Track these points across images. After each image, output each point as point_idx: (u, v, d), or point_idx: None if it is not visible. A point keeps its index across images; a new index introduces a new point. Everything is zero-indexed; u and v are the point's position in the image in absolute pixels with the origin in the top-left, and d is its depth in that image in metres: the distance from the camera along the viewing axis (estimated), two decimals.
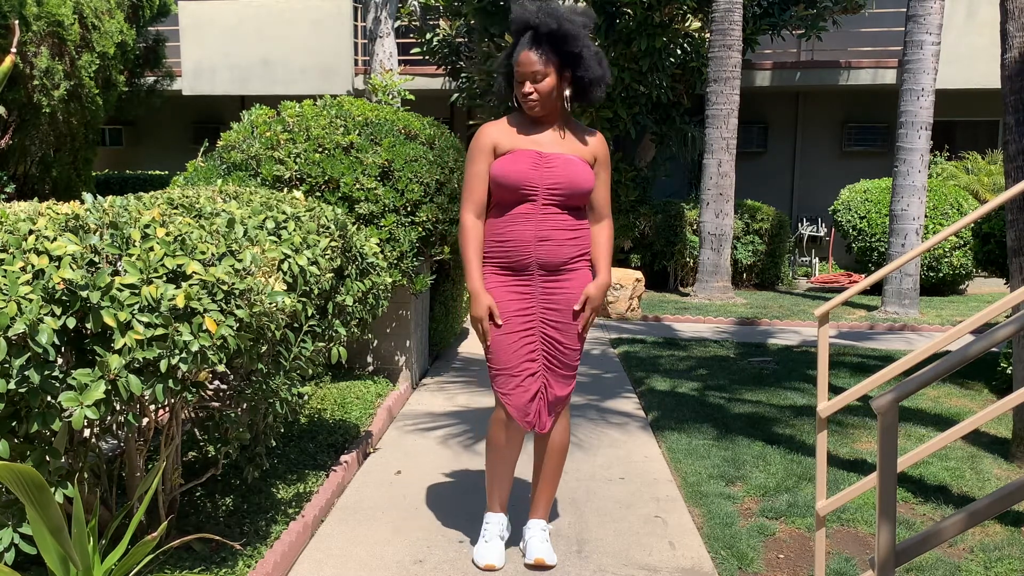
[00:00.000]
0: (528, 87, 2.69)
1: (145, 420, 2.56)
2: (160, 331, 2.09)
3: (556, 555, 2.91)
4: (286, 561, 2.76)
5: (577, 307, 2.80)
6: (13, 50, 2.04)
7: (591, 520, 3.28)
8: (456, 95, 12.31)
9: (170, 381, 2.14)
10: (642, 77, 10.81)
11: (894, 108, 9.31)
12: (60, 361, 2.11)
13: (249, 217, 2.68)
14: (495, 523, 2.95)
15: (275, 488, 3.31)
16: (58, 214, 2.23)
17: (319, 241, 2.83)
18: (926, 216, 9.97)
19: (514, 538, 3.03)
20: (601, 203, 2.89)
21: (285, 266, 2.59)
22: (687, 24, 10.90)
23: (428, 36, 12.49)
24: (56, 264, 2.03)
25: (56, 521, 1.94)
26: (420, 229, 4.70)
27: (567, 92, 2.76)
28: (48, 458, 2.10)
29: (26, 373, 1.95)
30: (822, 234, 13.56)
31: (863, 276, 11.31)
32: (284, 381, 2.73)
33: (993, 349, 5.28)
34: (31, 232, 2.13)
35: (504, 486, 2.96)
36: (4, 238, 2.07)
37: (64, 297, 2.02)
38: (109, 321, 2.03)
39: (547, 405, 2.83)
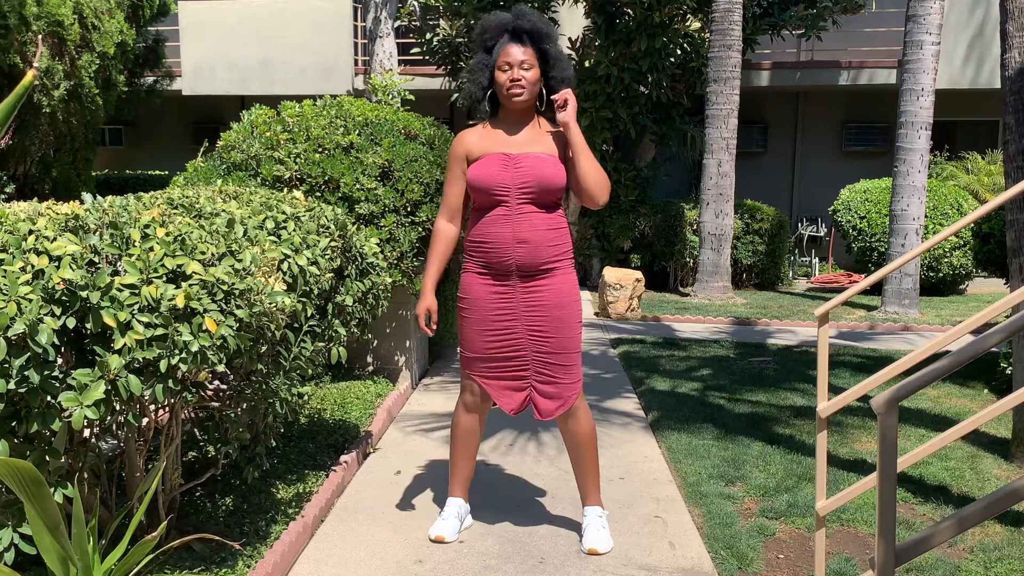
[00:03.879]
0: (516, 72, 2.83)
1: (145, 420, 2.56)
2: (160, 331, 2.09)
3: (608, 543, 2.99)
4: (286, 561, 2.76)
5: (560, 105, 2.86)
6: (36, 64, 2.04)
7: None
8: (456, 95, 12.31)
9: (170, 381, 2.14)
10: (642, 77, 10.81)
11: (894, 108, 9.31)
12: (60, 361, 2.11)
13: (249, 217, 2.68)
14: (452, 505, 3.13)
15: (275, 488, 3.31)
16: (58, 214, 2.23)
17: (319, 241, 2.83)
18: (926, 216, 9.97)
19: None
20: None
21: (285, 266, 2.59)
22: (687, 24, 10.90)
23: (428, 36, 12.48)
24: (56, 264, 2.03)
25: (54, 517, 1.94)
26: (420, 229, 4.70)
27: (542, 91, 2.91)
28: (48, 458, 2.10)
29: (26, 373, 1.95)
30: (822, 234, 13.56)
31: (863, 276, 11.31)
32: (284, 381, 2.73)
33: (993, 349, 5.28)
34: (31, 232, 2.13)
35: (464, 472, 3.13)
36: (4, 238, 2.07)
37: (64, 297, 2.02)
38: (109, 321, 2.03)
39: (543, 398, 2.95)
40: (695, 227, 10.83)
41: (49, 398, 2.02)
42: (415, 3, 12.80)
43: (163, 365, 2.09)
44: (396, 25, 12.22)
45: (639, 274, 8.70)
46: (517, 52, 2.83)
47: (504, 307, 2.91)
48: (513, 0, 10.60)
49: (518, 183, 2.84)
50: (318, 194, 4.60)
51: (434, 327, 2.99)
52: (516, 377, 2.96)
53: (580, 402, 2.98)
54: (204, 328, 2.14)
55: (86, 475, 2.40)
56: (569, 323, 2.91)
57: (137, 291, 2.10)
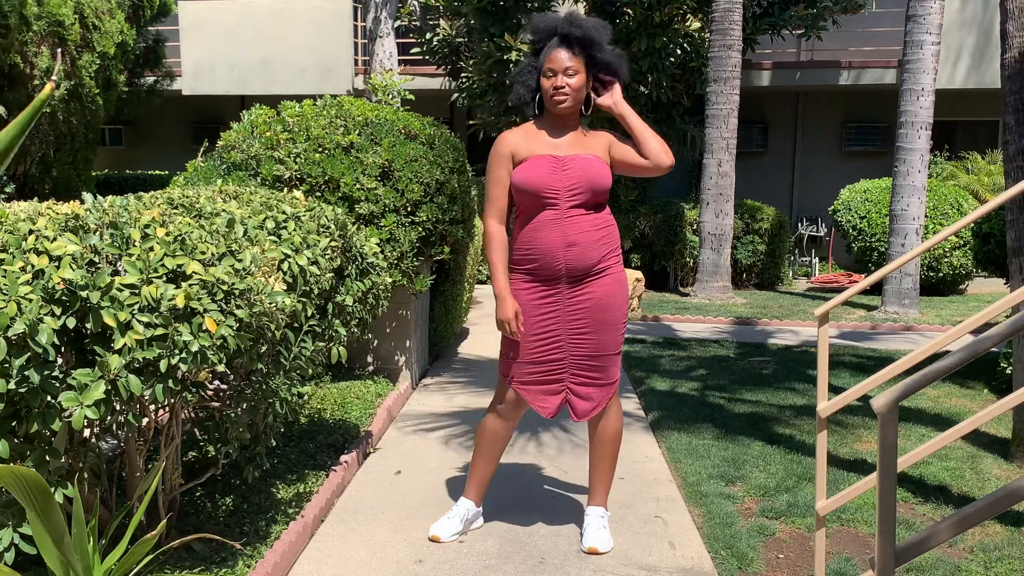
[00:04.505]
0: (561, 80, 2.80)
1: (145, 420, 2.56)
2: (160, 331, 2.09)
3: (608, 542, 2.99)
4: (286, 561, 2.76)
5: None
6: (54, 78, 2.04)
7: None
8: (456, 95, 12.31)
9: (170, 381, 2.14)
10: (642, 77, 10.80)
11: (894, 108, 9.31)
12: (60, 361, 2.11)
13: (249, 217, 2.68)
14: (461, 507, 3.12)
15: (275, 488, 3.31)
16: (58, 214, 2.23)
17: (319, 241, 2.83)
18: (926, 216, 9.97)
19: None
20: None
21: (285, 266, 2.59)
22: (687, 24, 10.89)
23: (428, 36, 12.48)
24: (56, 264, 2.03)
25: (58, 527, 1.94)
26: (420, 229, 4.70)
27: (589, 94, 2.91)
28: (48, 458, 2.10)
29: (26, 373, 1.95)
30: (822, 234, 13.55)
31: (863, 276, 11.31)
32: (284, 381, 2.73)
33: (993, 349, 5.27)
34: (31, 232, 2.13)
35: (482, 476, 3.11)
36: (4, 238, 2.07)
37: (64, 297, 2.02)
38: (109, 321, 2.02)
39: (579, 399, 2.94)
40: (695, 227, 10.83)
41: (49, 398, 2.01)
42: (415, 3, 12.80)
43: (163, 365, 2.09)
44: (396, 25, 12.23)
45: (639, 274, 8.70)
46: (564, 58, 2.79)
47: (549, 313, 2.88)
48: (514, 0, 10.61)
49: (568, 185, 2.81)
50: (318, 194, 4.60)
51: (522, 327, 2.88)
52: (553, 380, 2.93)
53: (614, 400, 2.99)
54: (204, 328, 2.14)
55: (86, 475, 2.40)
56: (612, 324, 2.89)
57: (137, 291, 2.10)
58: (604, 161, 2.89)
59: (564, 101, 2.82)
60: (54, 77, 2.01)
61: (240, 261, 2.33)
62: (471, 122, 12.27)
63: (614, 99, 2.88)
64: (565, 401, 2.95)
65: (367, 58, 12.35)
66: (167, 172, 14.16)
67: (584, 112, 2.94)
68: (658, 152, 2.84)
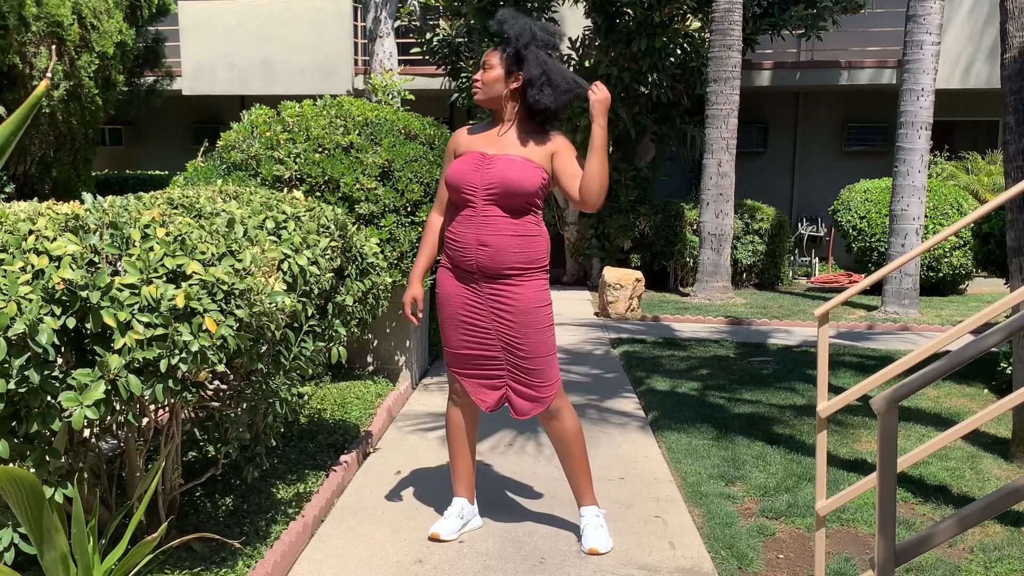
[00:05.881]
0: (478, 73, 2.92)
1: (145, 420, 2.56)
2: (160, 331, 2.09)
3: (608, 542, 2.99)
4: (286, 561, 2.76)
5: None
6: (48, 75, 2.04)
7: None
8: (456, 95, 12.31)
9: (170, 381, 2.14)
10: (642, 77, 10.81)
11: (894, 108, 9.31)
12: (60, 361, 2.11)
13: (249, 217, 2.68)
14: (455, 505, 3.14)
15: (275, 488, 3.31)
16: (58, 214, 2.23)
17: (319, 241, 2.83)
18: (926, 216, 9.97)
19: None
20: (577, 171, 2.90)
21: (285, 266, 2.59)
22: (687, 24, 10.90)
23: (428, 36, 12.48)
24: (56, 264, 2.03)
25: (49, 534, 1.93)
26: (420, 229, 4.70)
27: (512, 88, 2.87)
28: (48, 458, 2.10)
29: (26, 373, 1.95)
30: (822, 234, 13.56)
31: (863, 276, 11.31)
32: (284, 381, 2.73)
33: (993, 349, 5.28)
34: (31, 232, 2.13)
35: (461, 469, 3.14)
36: (4, 238, 2.07)
37: (64, 297, 2.02)
38: (109, 321, 2.02)
39: (517, 397, 2.97)
40: (695, 227, 10.83)
41: (49, 398, 2.02)
42: (415, 3, 12.80)
43: (163, 365, 2.09)
44: (396, 25, 12.22)
45: (639, 274, 8.70)
46: (487, 53, 2.91)
47: (471, 305, 2.93)
48: (513, 0, 10.61)
49: (484, 183, 2.83)
50: (318, 194, 4.60)
51: (420, 315, 3.07)
52: (491, 376, 2.98)
53: (561, 402, 2.97)
54: (204, 328, 2.14)
55: (86, 475, 2.40)
56: (535, 329, 2.89)
57: (137, 291, 2.10)
58: (535, 165, 2.84)
59: (476, 93, 2.92)
60: (48, 74, 2.01)
61: (240, 261, 2.33)
62: (471, 122, 12.26)
63: (595, 109, 2.75)
64: (504, 398, 3.00)
65: (367, 58, 12.35)
66: (167, 172, 14.16)
67: (521, 110, 2.89)
68: (591, 192, 2.77)
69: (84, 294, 2.02)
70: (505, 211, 2.83)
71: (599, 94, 2.77)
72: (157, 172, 14.17)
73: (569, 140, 2.96)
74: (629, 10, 10.48)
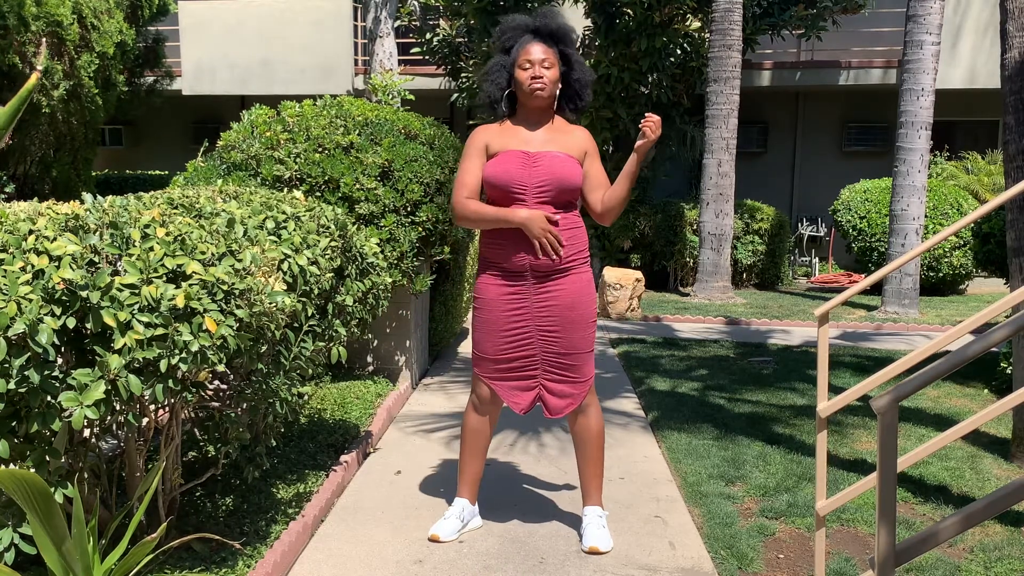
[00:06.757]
0: (538, 70, 2.84)
1: (145, 420, 2.56)
2: (160, 331, 2.08)
3: (608, 542, 2.99)
4: (286, 561, 2.76)
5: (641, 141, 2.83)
6: (39, 68, 2.04)
7: None
8: (456, 95, 12.31)
9: (170, 381, 2.14)
10: (642, 77, 10.81)
11: (894, 108, 9.32)
12: (60, 361, 2.11)
13: (249, 217, 2.68)
14: (456, 506, 3.12)
15: (275, 488, 3.31)
16: (58, 214, 2.23)
17: (319, 241, 2.83)
18: (926, 216, 9.97)
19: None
20: (604, 181, 2.99)
21: (285, 266, 2.59)
22: (687, 24, 10.90)
23: (428, 36, 12.49)
24: (56, 264, 2.03)
25: (60, 529, 1.94)
26: (420, 229, 4.70)
27: (558, 91, 2.93)
28: (48, 458, 2.10)
29: (26, 373, 1.95)
30: (822, 234, 13.55)
31: (863, 276, 11.31)
32: (284, 381, 2.73)
33: (993, 349, 5.28)
34: (31, 232, 2.13)
35: (469, 473, 3.12)
36: (4, 238, 2.07)
37: (64, 297, 2.02)
38: (109, 321, 2.02)
39: (552, 396, 2.96)
40: (695, 227, 10.83)
41: (49, 398, 2.01)
42: (415, 3, 12.80)
43: (163, 365, 2.09)
44: (396, 25, 12.22)
45: (639, 274, 8.70)
46: (538, 51, 2.85)
47: (517, 308, 2.91)
48: (513, 0, 10.61)
49: (536, 181, 2.84)
50: (318, 194, 4.60)
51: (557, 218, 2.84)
52: (525, 377, 2.97)
53: (591, 399, 3.00)
54: (204, 328, 2.14)
55: (86, 475, 2.40)
56: (581, 323, 2.91)
57: (137, 291, 2.10)
58: (576, 160, 2.91)
59: (542, 89, 2.85)
60: (39, 67, 2.01)
61: (240, 261, 2.33)
62: (471, 122, 12.27)
63: (644, 148, 2.85)
64: (538, 398, 2.98)
65: (367, 58, 12.35)
66: (167, 172, 14.16)
67: (553, 108, 2.97)
68: (612, 211, 2.90)
69: (84, 294, 2.02)
70: (555, 207, 2.87)
71: (654, 136, 2.80)
72: (157, 172, 14.16)
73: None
74: (629, 10, 10.48)
